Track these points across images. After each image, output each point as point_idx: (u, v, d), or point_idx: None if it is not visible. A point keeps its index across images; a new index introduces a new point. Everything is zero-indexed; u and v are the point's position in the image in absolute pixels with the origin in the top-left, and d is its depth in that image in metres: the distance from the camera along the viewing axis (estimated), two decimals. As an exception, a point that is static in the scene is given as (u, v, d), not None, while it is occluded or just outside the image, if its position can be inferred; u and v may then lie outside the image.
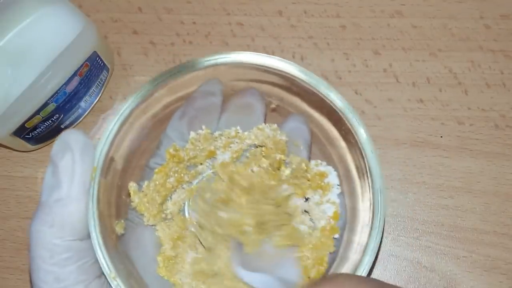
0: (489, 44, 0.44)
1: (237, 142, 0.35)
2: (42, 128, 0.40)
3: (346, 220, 0.34)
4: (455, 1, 0.45)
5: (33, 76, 0.36)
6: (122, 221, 0.33)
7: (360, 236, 0.31)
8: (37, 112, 0.38)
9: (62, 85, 0.38)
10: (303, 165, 0.34)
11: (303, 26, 0.45)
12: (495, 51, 0.44)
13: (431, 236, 0.41)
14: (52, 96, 0.38)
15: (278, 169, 0.34)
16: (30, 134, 0.40)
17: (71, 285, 0.28)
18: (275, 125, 0.34)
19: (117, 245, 0.32)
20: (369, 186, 0.31)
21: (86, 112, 0.43)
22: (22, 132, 0.39)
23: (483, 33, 0.44)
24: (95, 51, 0.39)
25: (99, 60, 0.40)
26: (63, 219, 0.28)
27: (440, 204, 0.41)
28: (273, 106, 0.36)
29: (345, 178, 0.34)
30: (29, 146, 0.42)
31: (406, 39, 0.44)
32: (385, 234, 0.41)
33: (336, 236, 0.33)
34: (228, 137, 0.34)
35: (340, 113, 0.31)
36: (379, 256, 0.41)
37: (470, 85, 0.43)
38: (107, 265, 0.29)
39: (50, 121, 0.40)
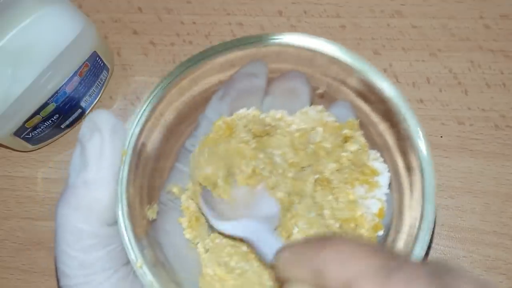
0: (489, 44, 0.44)
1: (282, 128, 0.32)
2: (42, 128, 0.40)
3: (392, 217, 0.31)
4: (455, 1, 0.45)
5: (33, 76, 0.36)
6: (155, 205, 0.32)
7: (407, 237, 0.29)
8: (37, 112, 0.38)
9: (62, 85, 0.38)
10: (365, 156, 0.32)
11: (303, 26, 0.45)
12: (495, 51, 0.43)
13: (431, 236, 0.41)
14: (52, 96, 0.38)
15: (345, 142, 0.32)
16: (30, 134, 0.40)
17: (96, 273, 0.27)
18: (321, 106, 0.32)
19: (147, 230, 0.30)
20: (419, 182, 0.29)
21: (86, 112, 0.43)
22: (22, 132, 0.39)
23: (483, 33, 0.44)
24: (95, 51, 0.39)
25: (99, 60, 0.40)
26: (90, 203, 0.27)
27: (440, 204, 0.41)
28: (320, 91, 0.33)
29: (392, 172, 0.32)
30: (29, 146, 0.42)
31: (406, 39, 0.44)
32: (385, 234, 0.41)
33: (380, 233, 0.31)
34: (274, 119, 0.32)
35: (390, 103, 0.29)
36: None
37: (470, 85, 0.43)
38: (134, 253, 0.27)
39: (50, 121, 0.40)
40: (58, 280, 0.28)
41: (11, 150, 0.44)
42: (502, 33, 0.44)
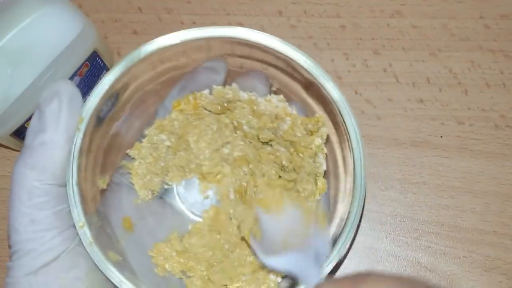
0: (489, 44, 0.44)
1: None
2: (42, 128, 0.40)
3: (328, 208, 0.34)
4: (455, 1, 0.45)
5: (33, 76, 0.36)
6: (107, 177, 0.33)
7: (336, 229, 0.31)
8: (37, 112, 0.38)
9: (62, 85, 0.38)
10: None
11: (303, 26, 0.45)
12: (495, 51, 0.44)
13: (431, 236, 0.41)
14: (52, 96, 0.38)
15: (311, 134, 0.34)
16: (30, 134, 0.40)
17: (45, 230, 0.29)
18: (281, 96, 0.34)
19: (96, 198, 0.32)
20: (352, 175, 0.31)
21: (86, 112, 0.43)
22: (22, 132, 0.39)
23: (483, 33, 0.44)
24: (95, 51, 0.39)
25: (99, 60, 0.40)
26: (45, 163, 0.29)
27: (440, 204, 0.41)
28: (274, 88, 0.36)
29: (332, 164, 0.34)
30: (29, 146, 0.42)
31: (406, 39, 0.44)
32: (385, 234, 0.41)
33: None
34: (236, 95, 0.34)
35: (334, 105, 0.31)
36: (379, 256, 0.41)
37: (470, 85, 0.43)
38: (77, 214, 0.29)
39: (50, 121, 0.40)
40: (8, 238, 0.29)
41: (11, 150, 0.44)
42: (502, 33, 0.44)
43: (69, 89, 0.30)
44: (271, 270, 0.33)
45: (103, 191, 0.33)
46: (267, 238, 0.33)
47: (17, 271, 0.29)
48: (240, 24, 0.45)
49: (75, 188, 0.29)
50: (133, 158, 0.35)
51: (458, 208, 0.41)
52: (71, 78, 0.38)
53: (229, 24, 0.45)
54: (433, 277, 0.40)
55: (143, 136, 0.35)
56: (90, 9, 0.46)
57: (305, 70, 0.31)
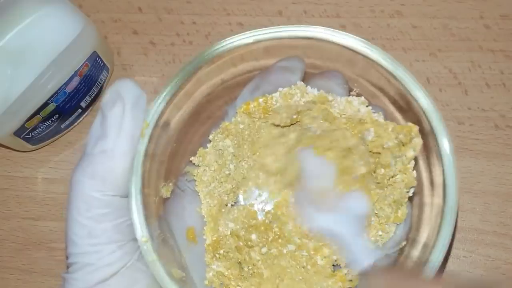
0: (489, 44, 0.44)
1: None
2: (42, 128, 0.40)
3: (409, 231, 0.31)
4: (455, 1, 0.45)
5: (33, 76, 0.36)
6: (170, 184, 0.31)
7: (420, 254, 0.29)
8: (37, 112, 0.38)
9: (62, 85, 0.38)
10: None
11: (303, 26, 0.45)
12: (495, 51, 0.43)
13: (431, 236, 0.41)
14: (52, 96, 0.38)
15: (403, 145, 0.30)
16: (30, 134, 0.40)
17: (104, 243, 0.27)
18: (363, 98, 0.31)
19: (159, 208, 0.30)
20: (441, 204, 0.28)
21: (86, 112, 0.43)
22: (22, 132, 0.39)
23: (483, 33, 0.44)
24: (95, 51, 0.39)
25: (99, 60, 0.40)
26: (106, 172, 0.27)
27: (440, 204, 0.41)
28: (353, 93, 0.32)
29: (417, 189, 0.31)
30: (29, 146, 0.42)
31: (406, 39, 0.44)
32: (385, 234, 0.41)
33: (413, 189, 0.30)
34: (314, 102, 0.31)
35: (423, 115, 0.28)
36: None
37: (470, 85, 0.43)
38: (141, 228, 0.27)
39: (50, 121, 0.40)
40: (66, 247, 0.28)
41: (11, 150, 0.44)
42: (502, 33, 0.44)
43: (134, 91, 0.28)
44: (314, 233, 0.30)
45: (166, 200, 0.31)
46: (309, 184, 0.31)
47: (73, 285, 0.27)
48: (240, 24, 0.45)
49: (138, 199, 0.27)
50: (198, 165, 0.32)
51: (458, 208, 0.41)
52: (71, 78, 0.38)
53: (229, 24, 0.45)
54: (433, 277, 0.40)
55: (210, 141, 0.32)
56: (90, 9, 0.46)
57: (390, 73, 0.29)
